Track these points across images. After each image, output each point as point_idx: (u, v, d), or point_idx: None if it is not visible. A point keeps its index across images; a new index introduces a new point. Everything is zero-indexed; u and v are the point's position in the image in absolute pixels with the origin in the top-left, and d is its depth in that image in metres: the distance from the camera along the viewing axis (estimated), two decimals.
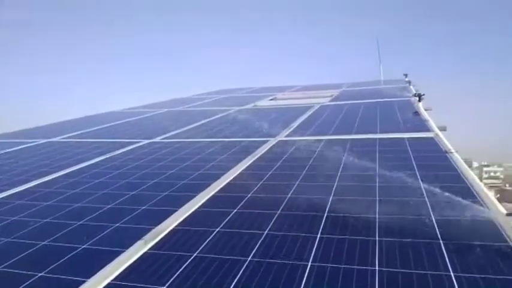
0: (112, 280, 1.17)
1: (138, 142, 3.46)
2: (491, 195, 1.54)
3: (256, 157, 2.58)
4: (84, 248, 1.41)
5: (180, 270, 1.18)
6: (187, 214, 1.64)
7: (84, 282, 1.16)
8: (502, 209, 1.42)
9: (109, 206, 1.85)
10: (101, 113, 6.15)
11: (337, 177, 1.98)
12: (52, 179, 2.46)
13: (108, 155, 3.00)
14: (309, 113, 4.49)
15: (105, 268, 1.23)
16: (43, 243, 1.48)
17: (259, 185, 1.98)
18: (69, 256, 1.35)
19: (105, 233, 1.53)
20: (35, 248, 1.45)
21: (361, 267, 1.11)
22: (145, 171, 2.43)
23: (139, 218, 1.67)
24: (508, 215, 1.25)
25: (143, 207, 1.78)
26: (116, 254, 1.32)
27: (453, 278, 1.02)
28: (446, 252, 1.15)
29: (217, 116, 4.84)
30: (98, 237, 1.49)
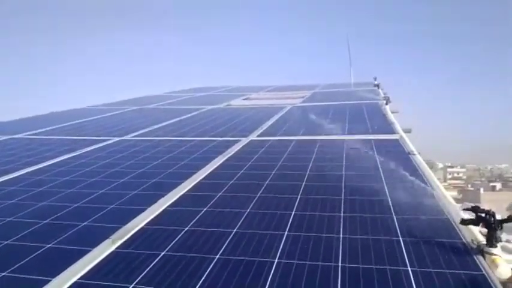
0: (78, 279, 1.16)
1: (107, 140, 3.40)
2: (448, 195, 1.63)
3: (227, 156, 2.60)
4: (49, 247, 1.39)
5: (148, 269, 1.19)
6: (156, 213, 1.64)
7: (49, 281, 1.15)
8: (458, 209, 1.51)
9: (76, 204, 1.82)
10: (69, 109, 5.99)
11: (306, 177, 2.03)
12: (16, 176, 2.38)
13: (75, 153, 2.94)
14: (281, 113, 4.55)
15: (71, 267, 1.22)
16: (6, 242, 1.45)
17: (229, 184, 2.00)
18: (34, 255, 1.33)
19: (71, 232, 1.51)
20: None
21: (326, 263, 1.16)
22: (114, 170, 2.40)
23: (107, 217, 1.65)
24: (465, 209, 1.33)
25: (111, 206, 1.76)
26: (83, 254, 1.31)
27: (410, 273, 1.08)
28: (406, 250, 1.21)
29: (189, 115, 4.82)
30: (63, 237, 1.47)
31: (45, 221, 1.63)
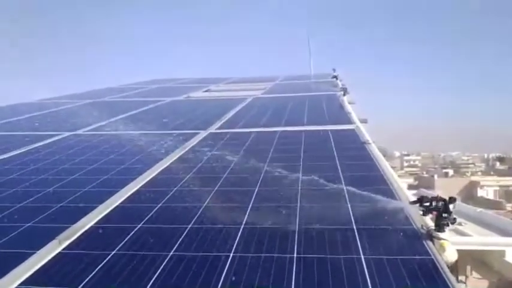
0: (19, 285, 1.08)
1: (58, 135, 3.22)
2: (400, 182, 1.68)
3: (185, 150, 2.54)
4: None
5: (96, 269, 1.13)
6: (107, 211, 1.56)
7: None
8: (409, 195, 1.55)
9: (21, 204, 1.71)
10: (16, 103, 5.63)
11: (264, 169, 2.02)
12: None
13: (23, 149, 2.76)
14: (241, 105, 4.51)
15: (11, 273, 1.13)
16: None
17: (186, 178, 1.95)
18: None
19: (14, 234, 1.41)
20: None
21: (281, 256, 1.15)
22: (64, 166, 2.27)
23: (55, 216, 1.56)
24: (412, 203, 1.37)
25: (60, 205, 1.67)
26: (26, 256, 1.22)
27: (363, 261, 1.10)
28: (359, 238, 1.23)
29: (146, 108, 4.68)
30: (5, 239, 1.37)
31: None
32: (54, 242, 1.31)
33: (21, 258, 1.21)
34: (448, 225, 1.22)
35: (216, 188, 1.77)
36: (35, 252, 1.25)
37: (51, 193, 1.84)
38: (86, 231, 1.40)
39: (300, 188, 1.71)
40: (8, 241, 1.36)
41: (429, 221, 1.30)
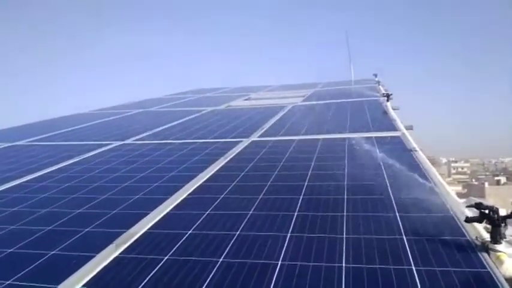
0: (82, 286, 1.16)
1: (109, 144, 3.41)
2: (451, 192, 1.63)
3: (229, 158, 2.59)
4: (53, 253, 1.39)
5: (152, 273, 1.19)
6: (159, 217, 1.64)
7: None
8: (462, 206, 1.50)
9: (79, 210, 1.82)
10: (68, 114, 6.00)
11: (308, 177, 2.03)
12: (19, 184, 2.39)
13: (77, 159, 2.94)
14: (282, 113, 4.54)
15: (74, 274, 1.22)
16: (10, 250, 1.45)
17: (231, 186, 2.00)
18: (37, 263, 1.33)
19: (74, 238, 1.52)
20: (1, 256, 1.41)
21: (328, 264, 1.15)
22: (116, 174, 2.40)
23: (110, 222, 1.65)
24: (468, 207, 1.32)
25: (114, 211, 1.76)
26: (86, 259, 1.31)
27: (415, 273, 1.08)
28: (410, 249, 1.21)
29: (190, 117, 4.82)
30: (67, 243, 1.47)
31: (48, 228, 1.63)
32: (111, 246, 1.40)
33: (81, 262, 1.30)
34: (504, 238, 1.17)
35: (261, 196, 1.80)
36: (94, 256, 1.34)
37: (105, 200, 1.95)
38: (140, 236, 1.47)
39: (345, 197, 1.70)
40: (70, 245, 1.46)
41: (484, 232, 1.26)
